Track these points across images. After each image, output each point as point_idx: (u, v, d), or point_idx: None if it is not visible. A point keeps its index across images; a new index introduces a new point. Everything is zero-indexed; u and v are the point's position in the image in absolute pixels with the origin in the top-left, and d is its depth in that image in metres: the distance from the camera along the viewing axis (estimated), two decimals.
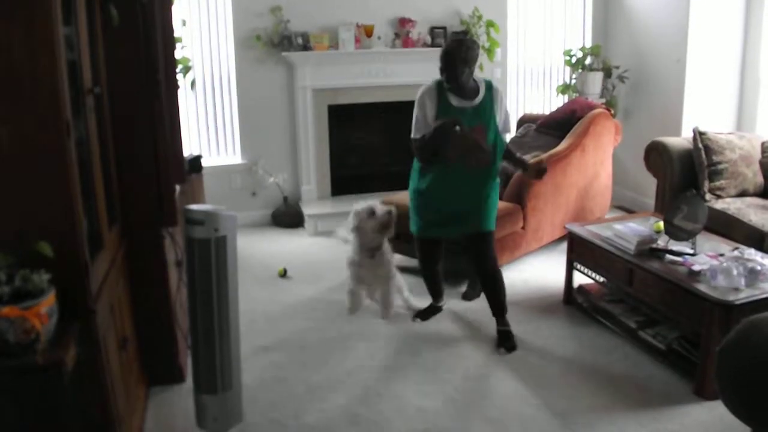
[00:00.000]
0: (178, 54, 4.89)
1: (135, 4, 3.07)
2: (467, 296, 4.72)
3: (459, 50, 3.72)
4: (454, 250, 4.47)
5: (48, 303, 2.15)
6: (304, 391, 3.63)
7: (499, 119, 3.90)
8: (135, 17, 3.09)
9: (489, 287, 4.11)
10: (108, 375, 2.63)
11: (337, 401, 3.53)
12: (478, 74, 3.88)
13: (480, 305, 4.52)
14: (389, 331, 4.27)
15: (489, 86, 3.89)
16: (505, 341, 4.05)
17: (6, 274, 2.14)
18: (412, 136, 3.90)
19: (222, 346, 2.89)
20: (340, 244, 4.76)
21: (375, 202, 4.31)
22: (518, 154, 4.15)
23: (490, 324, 4.24)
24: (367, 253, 4.32)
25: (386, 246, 4.39)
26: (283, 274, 5.24)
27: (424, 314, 4.44)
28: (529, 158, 5.42)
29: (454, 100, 3.82)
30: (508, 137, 3.98)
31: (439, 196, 3.95)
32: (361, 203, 4.30)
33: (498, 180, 4.05)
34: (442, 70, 3.77)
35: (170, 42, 3.67)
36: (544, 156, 4.05)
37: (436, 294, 4.47)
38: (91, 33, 2.84)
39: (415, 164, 4.05)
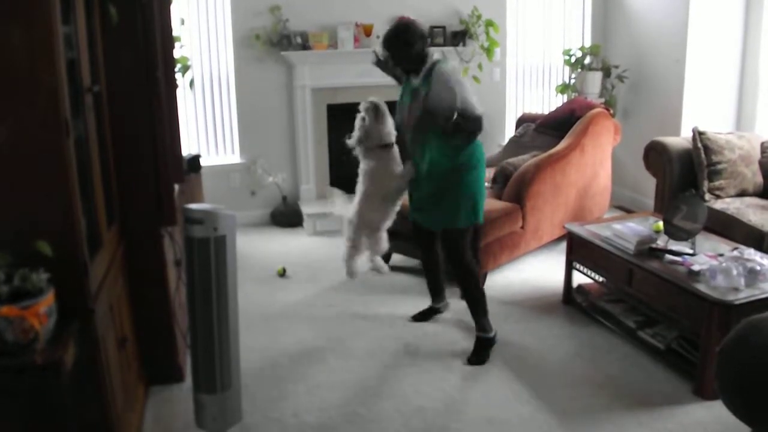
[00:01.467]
0: (176, 53, 4.88)
1: (134, 3, 3.07)
2: None
3: (391, 38, 3.80)
4: None
5: (47, 303, 2.15)
6: (303, 390, 3.63)
7: (436, 100, 3.66)
8: (134, 16, 3.09)
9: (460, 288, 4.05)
10: (107, 374, 2.63)
11: (337, 400, 3.52)
12: (447, 57, 3.89)
13: None
14: (389, 331, 4.26)
15: (430, 68, 3.75)
16: (474, 352, 3.94)
17: (5, 273, 2.14)
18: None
19: (221, 345, 2.89)
20: (338, 243, 4.72)
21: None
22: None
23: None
24: (380, 150, 4.02)
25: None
26: (282, 273, 5.24)
27: (422, 316, 4.41)
28: (528, 158, 5.42)
29: (413, 79, 3.85)
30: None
31: (414, 181, 3.97)
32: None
33: (470, 172, 3.79)
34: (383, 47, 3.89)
35: (169, 41, 3.67)
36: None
37: (434, 292, 4.41)
38: (90, 32, 2.84)
39: None
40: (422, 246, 4.27)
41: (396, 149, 4.07)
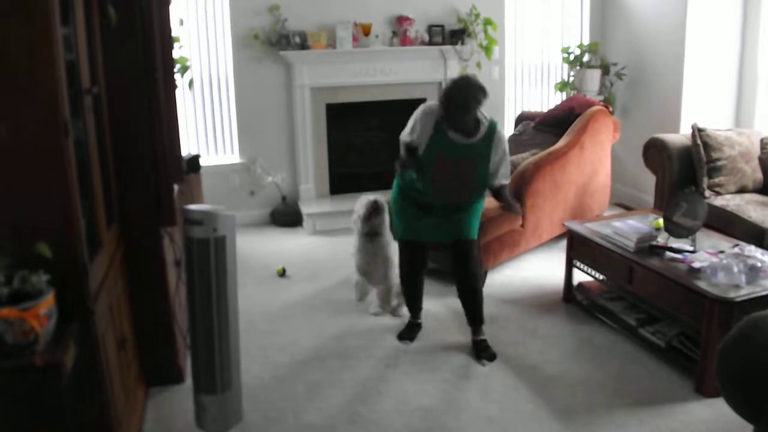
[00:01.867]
0: (175, 53, 4.88)
1: (133, 4, 3.07)
2: None
3: (463, 96, 3.60)
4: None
5: (47, 304, 2.14)
6: (303, 390, 3.62)
7: (493, 162, 3.79)
8: (133, 17, 3.08)
9: (463, 298, 4.03)
10: (107, 375, 2.63)
11: (337, 400, 3.52)
12: (483, 109, 3.72)
13: None
14: (389, 330, 4.26)
15: (492, 128, 3.74)
16: (484, 351, 3.95)
17: (4, 275, 2.13)
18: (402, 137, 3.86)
19: (221, 345, 2.89)
20: (338, 243, 4.74)
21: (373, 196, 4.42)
22: (508, 197, 3.94)
23: (489, 322, 4.24)
24: (365, 237, 4.39)
25: (386, 229, 4.41)
26: (282, 273, 5.23)
27: (409, 334, 4.23)
28: (527, 156, 5.42)
29: (451, 133, 3.70)
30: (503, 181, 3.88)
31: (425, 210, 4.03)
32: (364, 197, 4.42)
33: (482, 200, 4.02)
34: (443, 108, 3.65)
35: (168, 41, 3.66)
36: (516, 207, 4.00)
37: (418, 308, 4.29)
38: (89, 33, 2.83)
39: None
40: (418, 263, 4.13)
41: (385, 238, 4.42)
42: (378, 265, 4.43)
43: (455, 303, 4.35)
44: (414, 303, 4.24)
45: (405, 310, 4.34)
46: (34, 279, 2.15)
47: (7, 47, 2.18)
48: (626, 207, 6.75)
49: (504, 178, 3.89)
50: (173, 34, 4.24)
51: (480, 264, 4.04)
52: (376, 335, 4.21)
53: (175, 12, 4.87)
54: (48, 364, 2.10)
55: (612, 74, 6.87)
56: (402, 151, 3.75)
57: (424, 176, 3.80)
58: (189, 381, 3.26)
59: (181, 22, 5.88)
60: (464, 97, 3.58)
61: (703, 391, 3.46)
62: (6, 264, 2.16)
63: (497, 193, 3.93)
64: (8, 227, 2.28)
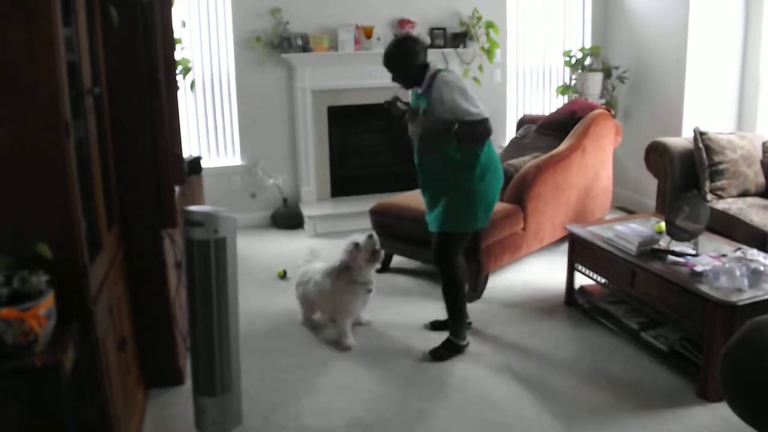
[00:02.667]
0: (177, 55, 4.87)
1: (135, 4, 3.06)
2: (468, 298, 4.68)
3: (391, 55, 3.77)
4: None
5: (47, 305, 2.14)
6: (304, 393, 3.61)
7: (437, 111, 3.70)
8: (135, 18, 3.08)
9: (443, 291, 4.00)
10: (107, 377, 2.62)
11: (338, 403, 3.51)
12: (445, 64, 3.81)
13: (480, 307, 4.52)
14: (390, 334, 4.25)
15: (432, 75, 3.73)
16: (438, 347, 3.95)
17: (4, 275, 2.13)
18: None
19: (221, 347, 2.88)
20: (339, 245, 4.68)
21: (356, 235, 4.17)
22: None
23: (491, 326, 4.24)
24: (363, 287, 4.11)
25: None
26: (283, 275, 5.23)
27: (434, 326, 4.28)
28: (529, 159, 5.41)
29: (411, 91, 3.92)
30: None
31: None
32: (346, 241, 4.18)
33: (466, 186, 3.77)
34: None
35: (170, 43, 3.66)
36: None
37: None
38: (90, 33, 2.83)
39: None
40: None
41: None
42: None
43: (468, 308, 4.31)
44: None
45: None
46: (34, 279, 2.14)
47: (8, 48, 2.18)
48: (628, 210, 6.74)
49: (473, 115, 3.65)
50: (175, 35, 4.24)
51: (451, 263, 3.87)
52: (378, 339, 4.20)
53: (177, 13, 4.87)
54: (47, 365, 2.10)
55: (614, 77, 6.86)
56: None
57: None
58: (189, 383, 3.25)
59: (184, 24, 5.88)
60: (387, 49, 3.78)
61: (706, 395, 3.44)
62: (6, 264, 2.15)
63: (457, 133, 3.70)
64: (9, 227, 2.27)
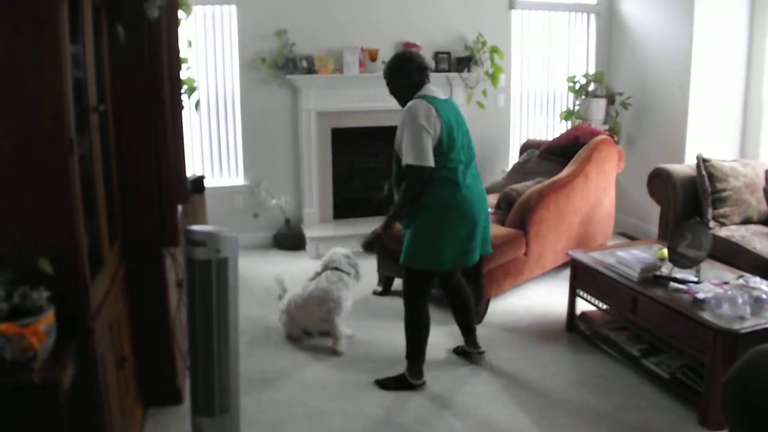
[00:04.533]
0: (183, 74, 4.89)
1: (142, 23, 3.08)
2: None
3: (386, 66, 3.76)
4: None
5: (47, 321, 2.13)
6: (302, 414, 3.59)
7: (396, 141, 3.65)
8: (141, 36, 3.10)
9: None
10: (105, 395, 2.61)
11: (337, 426, 3.49)
12: (437, 91, 3.68)
13: (481, 331, 4.48)
14: (390, 357, 4.22)
15: (413, 100, 3.61)
16: (390, 378, 3.89)
17: (5, 290, 2.12)
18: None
19: (221, 367, 2.87)
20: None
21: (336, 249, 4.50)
22: (391, 211, 3.68)
23: (491, 351, 4.22)
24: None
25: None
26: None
27: (455, 351, 4.26)
28: (532, 184, 5.41)
29: None
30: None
31: None
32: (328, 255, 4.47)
33: (427, 214, 3.60)
34: None
35: (176, 62, 3.68)
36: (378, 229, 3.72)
37: (462, 332, 4.18)
38: (97, 51, 2.84)
39: None
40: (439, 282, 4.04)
41: None
42: None
43: (454, 330, 4.29)
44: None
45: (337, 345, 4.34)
46: (35, 295, 2.14)
47: (15, 64, 2.19)
48: (630, 237, 6.73)
49: (405, 158, 3.52)
50: (181, 55, 4.26)
51: (413, 301, 3.78)
52: (378, 361, 4.18)
53: (183, 33, 4.89)
54: (46, 382, 2.09)
55: (617, 104, 6.89)
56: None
57: None
58: (187, 402, 3.23)
59: (190, 44, 5.90)
60: (389, 61, 3.76)
61: (708, 424, 3.41)
62: (7, 279, 2.15)
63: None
64: (10, 242, 2.27)
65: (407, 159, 3.49)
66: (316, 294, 4.32)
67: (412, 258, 3.69)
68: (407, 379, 3.85)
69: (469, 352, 4.16)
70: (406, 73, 3.66)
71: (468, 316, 4.10)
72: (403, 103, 3.69)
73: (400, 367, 3.92)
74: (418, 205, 3.58)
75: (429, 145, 3.47)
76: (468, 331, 4.13)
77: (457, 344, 4.29)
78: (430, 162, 3.47)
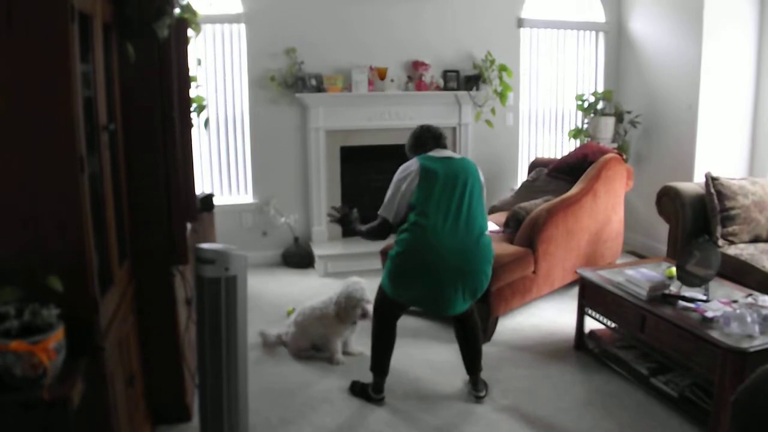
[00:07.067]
0: (192, 93, 4.93)
1: (152, 42, 3.11)
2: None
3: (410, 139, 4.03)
4: None
5: (56, 338, 2.14)
6: None
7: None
8: (151, 55, 3.13)
9: None
10: (114, 412, 2.61)
11: None
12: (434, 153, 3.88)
13: (490, 350, 4.49)
14: (397, 378, 4.21)
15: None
16: (362, 384, 4.03)
17: (15, 308, 2.13)
18: None
19: (229, 385, 2.87)
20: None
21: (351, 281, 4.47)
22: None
23: (500, 369, 4.21)
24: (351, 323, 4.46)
25: None
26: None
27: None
28: (540, 202, 5.42)
29: None
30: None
31: None
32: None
33: (397, 250, 3.77)
34: None
35: (185, 81, 3.71)
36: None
37: (465, 365, 4.07)
38: (107, 70, 2.87)
39: None
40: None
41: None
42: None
43: (455, 350, 4.26)
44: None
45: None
46: (45, 313, 2.15)
47: (26, 83, 2.21)
48: (639, 255, 6.72)
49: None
50: (191, 73, 4.29)
51: (379, 315, 3.90)
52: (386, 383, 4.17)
53: (193, 52, 4.94)
54: (55, 399, 2.09)
55: (626, 122, 6.90)
56: None
57: None
58: (196, 420, 3.24)
59: (199, 62, 5.95)
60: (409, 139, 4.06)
61: None
62: (17, 297, 2.16)
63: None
64: (21, 260, 2.29)
65: (381, 210, 3.98)
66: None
67: (382, 280, 3.88)
68: (368, 391, 3.95)
69: (468, 391, 4.06)
70: (422, 143, 3.94)
71: (473, 360, 4.00)
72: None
73: (407, 386, 3.91)
74: (396, 238, 3.85)
75: (395, 200, 3.88)
76: (472, 371, 4.02)
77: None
78: (390, 215, 3.93)
